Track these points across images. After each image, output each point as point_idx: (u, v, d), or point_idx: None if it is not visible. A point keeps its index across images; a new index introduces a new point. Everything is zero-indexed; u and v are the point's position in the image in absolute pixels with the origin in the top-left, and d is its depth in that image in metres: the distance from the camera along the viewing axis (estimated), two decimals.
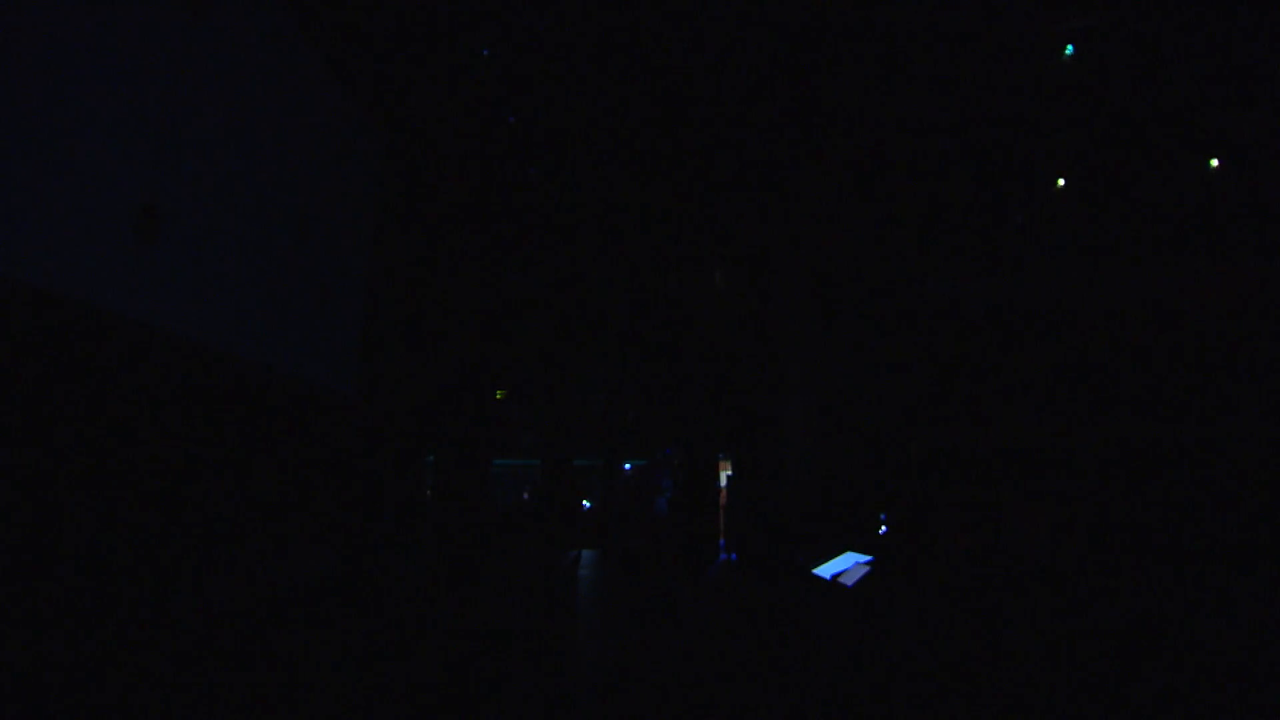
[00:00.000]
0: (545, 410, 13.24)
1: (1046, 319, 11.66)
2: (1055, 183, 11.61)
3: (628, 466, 14.53)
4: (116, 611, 5.12)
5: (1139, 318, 11.39)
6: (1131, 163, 11.27)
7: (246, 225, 7.33)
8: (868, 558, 8.66)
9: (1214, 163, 11.04)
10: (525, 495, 14.65)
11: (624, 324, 12.99)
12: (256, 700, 3.21)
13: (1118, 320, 11.45)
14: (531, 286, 12.75)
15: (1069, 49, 9.97)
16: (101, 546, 5.45)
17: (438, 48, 10.00)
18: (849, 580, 7.84)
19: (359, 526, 9.13)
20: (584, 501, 14.23)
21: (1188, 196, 11.27)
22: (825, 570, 8.68)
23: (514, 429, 14.12)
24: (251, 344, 7.42)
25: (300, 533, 8.10)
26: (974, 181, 11.78)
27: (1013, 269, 11.87)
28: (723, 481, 12.83)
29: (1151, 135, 10.96)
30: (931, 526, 10.12)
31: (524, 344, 13.01)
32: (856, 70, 10.57)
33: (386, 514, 9.83)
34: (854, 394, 11.51)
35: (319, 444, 8.68)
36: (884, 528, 10.22)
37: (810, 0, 9.64)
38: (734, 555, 11.44)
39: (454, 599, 6.61)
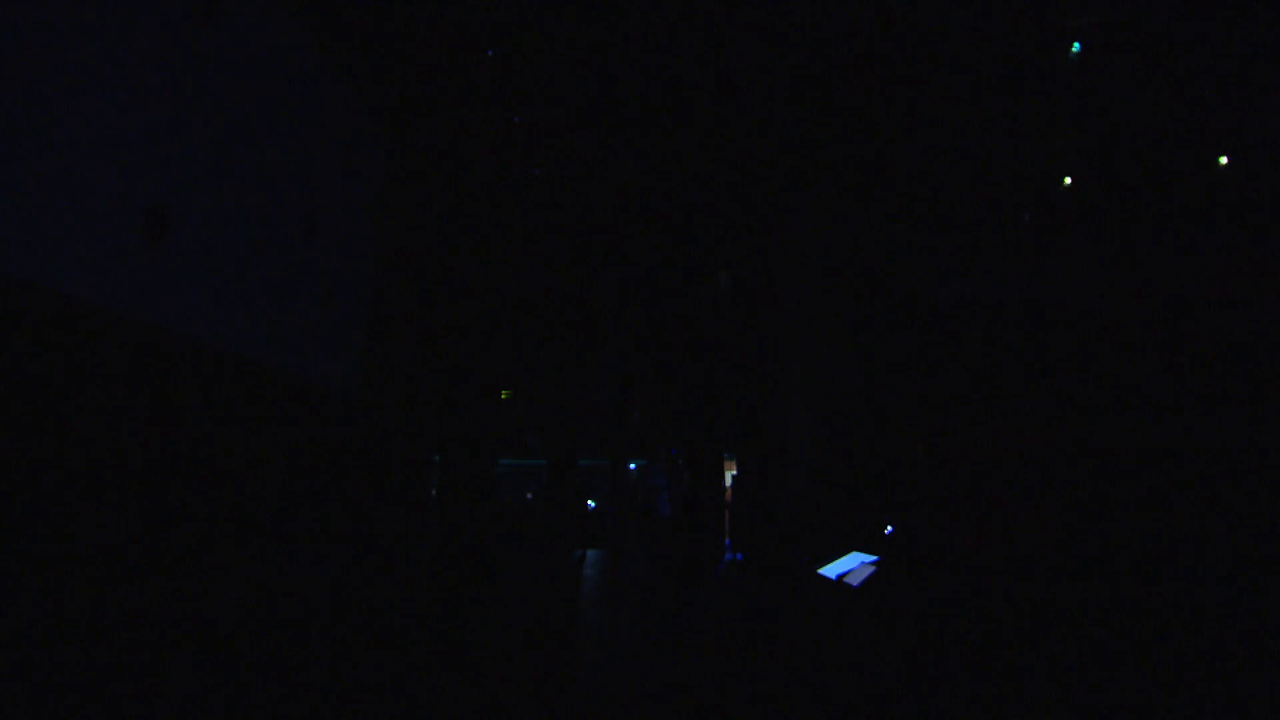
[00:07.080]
0: (550, 410, 13.22)
1: (1053, 318, 11.60)
2: (1061, 181, 11.55)
3: (633, 466, 14.52)
4: (121, 610, 5.14)
5: (1146, 317, 11.33)
6: (1139, 160, 11.20)
7: (252, 227, 7.35)
8: (873, 558, 8.63)
9: (1223, 160, 10.96)
10: (529, 496, 14.66)
11: (630, 323, 12.98)
12: (258, 700, 3.22)
13: (1125, 319, 11.38)
14: (537, 285, 12.75)
15: (1076, 46, 9.92)
16: (108, 544, 5.47)
17: (440, 47, 10.01)
18: (854, 580, 7.82)
19: (364, 526, 9.15)
20: (589, 501, 14.22)
21: (1196, 194, 11.19)
22: (831, 570, 8.65)
23: (519, 429, 14.12)
24: (257, 344, 7.45)
25: (306, 532, 8.12)
26: (979, 181, 11.73)
27: (1018, 268, 11.81)
28: (728, 481, 12.81)
29: (1159, 132, 10.89)
30: (937, 526, 10.08)
31: (529, 343, 13.01)
32: (861, 70, 10.54)
33: (392, 513, 9.84)
34: (859, 393, 11.47)
35: (324, 443, 8.70)
36: (889, 528, 10.19)
37: (815, 2, 9.63)
38: (739, 555, 11.41)
39: (459, 599, 6.62)
